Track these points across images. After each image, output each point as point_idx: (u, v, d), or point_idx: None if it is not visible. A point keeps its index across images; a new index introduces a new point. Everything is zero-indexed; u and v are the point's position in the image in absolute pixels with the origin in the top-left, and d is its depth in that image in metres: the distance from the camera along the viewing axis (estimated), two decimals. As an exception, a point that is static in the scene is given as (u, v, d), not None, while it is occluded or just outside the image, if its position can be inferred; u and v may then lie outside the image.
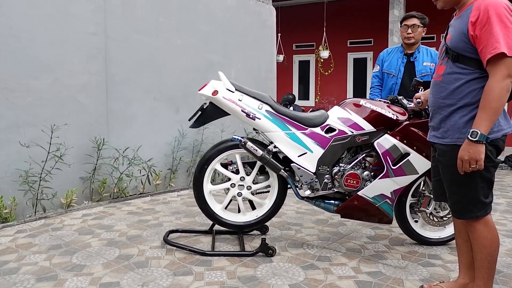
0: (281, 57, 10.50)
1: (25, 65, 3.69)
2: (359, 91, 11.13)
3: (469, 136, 1.81)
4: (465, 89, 1.91)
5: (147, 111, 4.74)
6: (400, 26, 3.85)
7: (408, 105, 2.88)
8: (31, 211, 3.73)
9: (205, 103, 2.92)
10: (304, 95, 11.94)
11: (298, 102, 11.04)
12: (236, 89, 2.83)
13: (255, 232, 3.29)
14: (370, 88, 4.06)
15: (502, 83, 1.78)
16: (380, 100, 2.96)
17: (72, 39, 4.01)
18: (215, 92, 2.79)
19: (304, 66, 11.95)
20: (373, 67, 4.09)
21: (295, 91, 11.90)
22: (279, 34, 8.91)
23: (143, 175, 4.55)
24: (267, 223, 3.22)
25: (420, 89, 2.80)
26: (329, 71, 10.79)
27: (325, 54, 10.33)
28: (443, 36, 2.14)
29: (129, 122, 4.56)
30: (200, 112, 2.90)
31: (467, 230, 2.07)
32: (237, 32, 5.83)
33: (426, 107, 2.74)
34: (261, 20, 6.30)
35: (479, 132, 1.79)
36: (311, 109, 9.12)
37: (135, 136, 4.56)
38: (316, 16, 10.91)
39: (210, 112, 2.88)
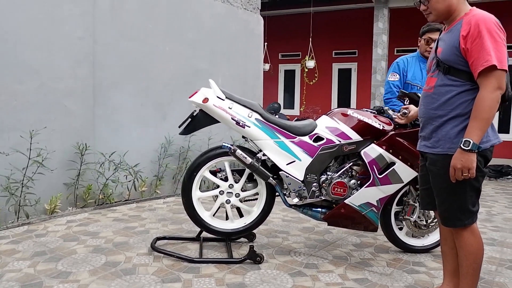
0: (267, 66, 10.58)
1: (11, 68, 3.64)
2: (344, 101, 11.28)
3: (461, 145, 1.87)
4: (456, 101, 1.97)
5: (134, 117, 4.73)
6: (421, 37, 3.55)
7: (393, 116, 2.95)
8: (13, 217, 3.66)
9: (195, 110, 2.93)
10: (289, 104, 12.03)
11: (283, 111, 11.14)
12: (226, 97, 2.86)
13: (242, 239, 3.30)
14: (386, 98, 3.61)
15: (493, 94, 1.85)
16: (367, 110, 3.02)
17: (59, 43, 3.98)
18: (205, 100, 2.81)
19: (289, 75, 12.07)
20: (388, 75, 3.64)
21: (281, 100, 11.99)
22: (266, 43, 8.99)
23: (129, 181, 4.52)
24: (254, 231, 3.24)
25: (406, 100, 2.87)
26: (313, 80, 10.91)
27: (310, 64, 10.46)
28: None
29: (115, 128, 4.53)
30: (190, 119, 2.91)
31: (454, 237, 2.13)
32: (224, 40, 5.87)
33: (413, 119, 2.82)
34: (249, 28, 6.36)
35: (471, 141, 1.85)
36: (296, 118, 9.19)
37: (121, 142, 4.53)
38: (302, 26, 11.05)
39: (200, 119, 2.89)
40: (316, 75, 10.74)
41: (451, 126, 1.99)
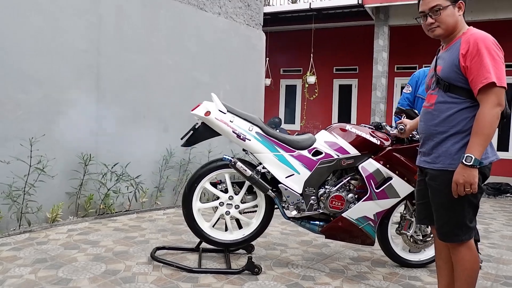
0: (268, 81, 10.71)
1: (15, 79, 3.73)
2: (344, 117, 11.38)
3: (463, 161, 1.91)
4: (457, 117, 2.02)
5: (136, 128, 4.80)
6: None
7: (391, 131, 3.02)
8: (15, 225, 3.71)
9: (197, 123, 3.01)
10: (290, 119, 12.13)
11: (284, 126, 11.24)
12: (227, 111, 2.94)
13: (240, 250, 3.34)
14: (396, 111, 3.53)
15: (493, 111, 1.91)
16: (365, 126, 3.09)
17: (64, 55, 4.08)
18: (207, 113, 2.88)
19: (290, 90, 12.19)
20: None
21: (281, 115, 12.09)
22: (267, 58, 9.13)
23: (130, 192, 4.57)
24: (253, 242, 3.28)
25: (403, 116, 2.94)
26: (314, 96, 11.02)
27: (311, 79, 10.58)
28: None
29: (118, 139, 4.60)
30: (192, 132, 2.98)
31: (451, 252, 2.16)
32: (226, 54, 5.98)
33: (410, 135, 2.89)
34: (251, 44, 6.48)
35: (473, 157, 1.90)
36: (296, 132, 9.29)
37: (123, 153, 4.59)
38: (303, 42, 11.21)
39: (202, 132, 2.96)
40: (316, 90, 10.85)
41: (451, 142, 2.03)
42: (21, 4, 3.75)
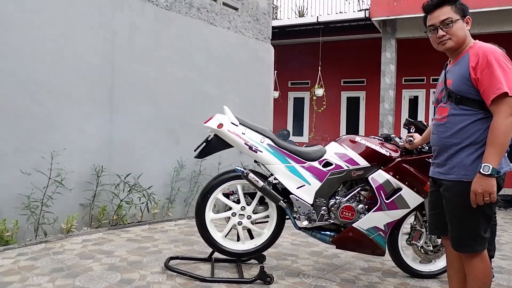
0: (276, 93, 10.82)
1: (34, 92, 3.86)
2: (352, 129, 11.42)
3: (481, 171, 1.94)
4: (470, 129, 2.05)
5: (148, 140, 4.90)
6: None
7: (400, 143, 3.07)
8: (31, 235, 3.80)
9: (210, 135, 3.08)
10: (298, 131, 12.20)
11: (292, 138, 11.30)
12: (240, 123, 3.02)
13: (252, 261, 3.38)
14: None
15: (506, 121, 1.94)
16: (374, 138, 3.15)
17: (80, 69, 4.21)
18: (220, 125, 2.96)
19: (298, 103, 12.28)
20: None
21: (289, 127, 12.17)
22: (275, 71, 9.24)
23: (142, 203, 4.65)
24: (264, 253, 3.32)
25: (412, 128, 3.00)
26: (321, 108, 11.09)
27: (319, 92, 10.66)
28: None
29: (130, 151, 4.70)
30: (205, 144, 3.06)
31: (464, 262, 2.17)
32: (236, 68, 6.09)
33: (420, 147, 2.94)
34: (260, 57, 6.59)
35: (490, 166, 1.92)
36: (304, 145, 9.34)
37: (136, 165, 4.69)
38: (311, 55, 11.32)
39: (215, 144, 3.04)
40: (324, 103, 10.93)
41: (466, 154, 2.06)
42: (40, 22, 3.89)
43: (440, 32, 2.13)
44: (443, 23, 2.12)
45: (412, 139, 2.88)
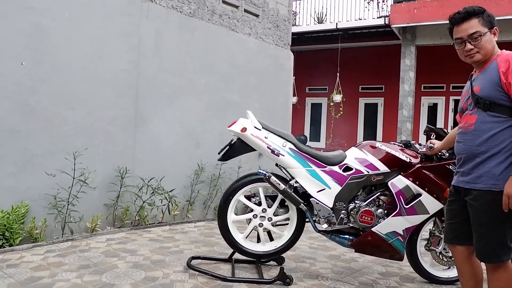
0: (294, 99, 10.89)
1: (63, 98, 4.01)
2: (370, 136, 11.41)
3: None
4: (500, 136, 2.04)
5: (170, 144, 5.02)
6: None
7: (420, 150, 3.11)
8: (58, 233, 3.94)
9: (233, 139, 3.18)
10: (315, 137, 12.24)
11: (309, 143, 11.34)
12: (262, 127, 3.10)
13: (271, 262, 3.45)
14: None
15: None
16: (394, 144, 3.20)
17: (106, 75, 4.35)
18: (243, 129, 3.05)
19: (316, 109, 12.33)
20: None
21: (307, 132, 12.22)
22: (294, 77, 9.33)
23: (164, 205, 4.76)
24: (283, 255, 3.39)
25: (432, 135, 3.04)
26: (339, 114, 11.11)
27: (337, 98, 10.70)
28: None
29: (153, 154, 4.83)
30: (228, 147, 3.15)
31: (487, 271, 2.15)
32: (256, 74, 6.19)
33: (440, 153, 2.98)
34: (279, 63, 6.68)
35: None
36: (321, 150, 9.38)
37: (158, 167, 4.81)
38: (329, 61, 11.38)
39: (238, 147, 3.13)
40: (341, 109, 10.95)
41: (495, 162, 2.03)
42: (74, 31, 4.06)
43: (468, 46, 2.13)
44: (471, 37, 2.11)
45: (432, 145, 2.91)
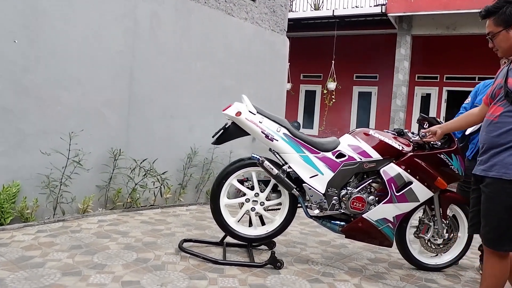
0: (289, 85, 10.87)
1: (61, 78, 3.96)
2: (363, 124, 11.46)
3: None
4: None
5: (164, 127, 5.00)
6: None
7: (412, 138, 3.13)
8: (49, 213, 3.93)
9: (227, 123, 3.17)
10: (308, 124, 12.27)
11: (302, 130, 11.36)
12: (257, 112, 3.10)
13: (262, 247, 3.48)
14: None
15: None
16: (387, 132, 3.21)
17: (102, 57, 4.30)
18: (238, 113, 3.04)
19: (310, 96, 12.32)
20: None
21: (300, 119, 12.23)
22: (288, 63, 9.29)
23: (156, 187, 4.77)
24: (274, 239, 3.42)
25: (425, 124, 3.06)
26: (331, 102, 11.12)
27: (331, 85, 10.69)
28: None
29: (146, 137, 4.81)
30: (222, 131, 3.15)
31: (485, 256, 2.23)
32: (251, 60, 6.16)
33: (432, 142, 2.99)
34: (275, 49, 6.64)
35: None
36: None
37: (151, 150, 4.79)
38: (325, 49, 11.35)
39: (232, 131, 3.13)
40: (333, 97, 10.95)
41: (509, 153, 2.09)
42: (70, 11, 4.00)
43: (490, 44, 2.23)
44: (489, 36, 2.21)
45: (425, 134, 2.93)
